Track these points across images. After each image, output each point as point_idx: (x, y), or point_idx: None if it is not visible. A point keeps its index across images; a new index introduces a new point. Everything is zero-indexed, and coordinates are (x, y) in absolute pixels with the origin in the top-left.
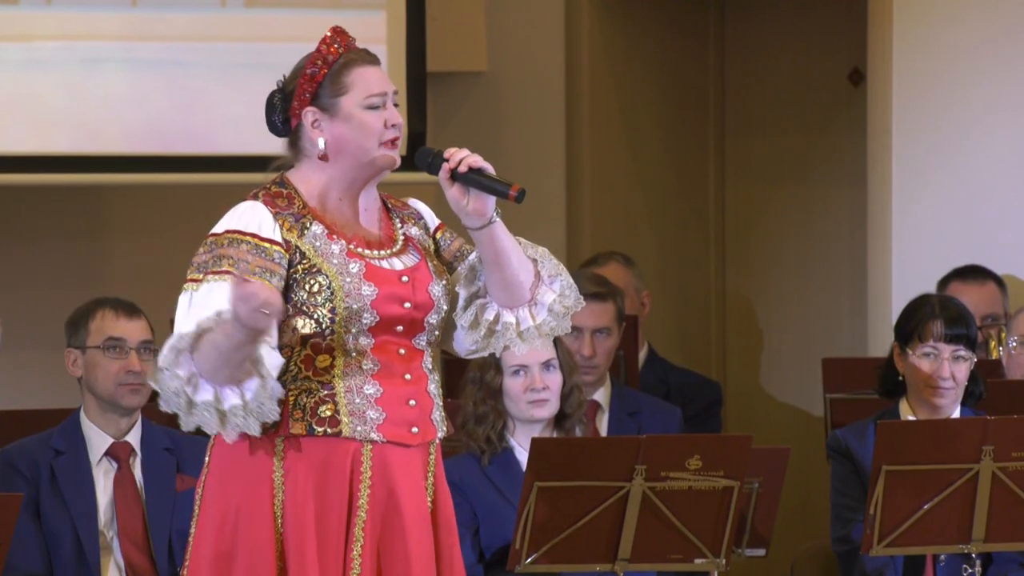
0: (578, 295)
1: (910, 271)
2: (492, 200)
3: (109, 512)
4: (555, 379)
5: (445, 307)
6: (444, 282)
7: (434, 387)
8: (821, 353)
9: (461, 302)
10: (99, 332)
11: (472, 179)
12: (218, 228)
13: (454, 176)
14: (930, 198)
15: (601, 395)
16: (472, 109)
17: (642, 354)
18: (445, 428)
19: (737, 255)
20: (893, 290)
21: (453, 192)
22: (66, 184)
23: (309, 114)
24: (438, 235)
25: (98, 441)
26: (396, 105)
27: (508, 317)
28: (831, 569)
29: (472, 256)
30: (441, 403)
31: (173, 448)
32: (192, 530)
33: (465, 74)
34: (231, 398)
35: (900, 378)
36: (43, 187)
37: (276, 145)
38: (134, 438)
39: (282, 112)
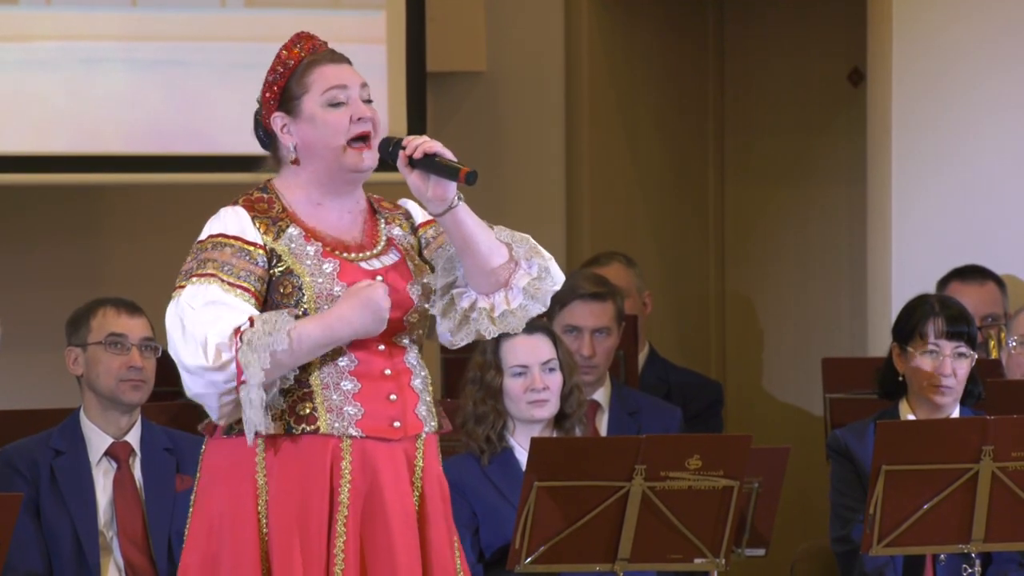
0: (556, 277)
1: (910, 271)
2: (452, 185)
3: (109, 512)
4: (555, 379)
5: (425, 305)
6: (425, 280)
7: (419, 382)
8: (821, 353)
9: (437, 292)
10: (101, 329)
11: (426, 164)
12: (202, 235)
13: (411, 163)
14: (930, 198)
15: (601, 395)
16: (472, 109)
17: (643, 354)
18: (436, 423)
19: (737, 255)
20: (893, 290)
21: (413, 179)
22: (66, 184)
23: (277, 119)
24: (420, 232)
25: (98, 441)
26: (369, 101)
27: (483, 303)
28: (831, 569)
29: (452, 248)
30: (429, 398)
31: (173, 448)
32: (186, 533)
33: (465, 74)
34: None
35: (900, 378)
36: (43, 187)
37: None
38: (134, 438)
39: (261, 125)
